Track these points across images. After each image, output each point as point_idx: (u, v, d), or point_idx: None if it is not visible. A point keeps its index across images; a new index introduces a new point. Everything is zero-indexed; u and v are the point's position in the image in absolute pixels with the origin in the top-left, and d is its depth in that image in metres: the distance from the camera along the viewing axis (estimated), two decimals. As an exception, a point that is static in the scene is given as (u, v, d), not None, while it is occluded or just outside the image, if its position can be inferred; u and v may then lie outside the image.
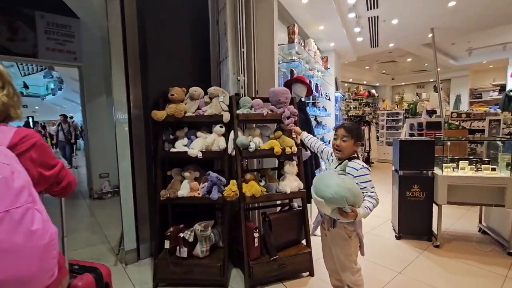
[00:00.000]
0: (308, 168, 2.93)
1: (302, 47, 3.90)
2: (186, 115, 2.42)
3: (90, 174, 5.16)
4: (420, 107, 11.14)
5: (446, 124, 4.68)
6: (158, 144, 2.48)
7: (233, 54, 2.62)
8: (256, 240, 2.26)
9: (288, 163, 2.51)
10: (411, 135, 4.58)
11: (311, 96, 4.65)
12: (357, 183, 1.53)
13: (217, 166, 2.91)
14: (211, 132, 2.49)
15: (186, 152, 2.33)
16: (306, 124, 2.96)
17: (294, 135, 2.56)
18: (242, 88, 2.62)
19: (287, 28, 3.65)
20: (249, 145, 2.30)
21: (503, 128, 5.22)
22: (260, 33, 2.85)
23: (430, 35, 5.71)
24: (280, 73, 3.50)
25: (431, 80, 11.41)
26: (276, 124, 2.68)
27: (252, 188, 2.31)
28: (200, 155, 2.34)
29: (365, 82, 11.48)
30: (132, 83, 2.56)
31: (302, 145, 2.66)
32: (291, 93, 2.67)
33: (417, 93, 11.98)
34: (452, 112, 5.70)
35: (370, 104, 11.72)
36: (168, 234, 2.34)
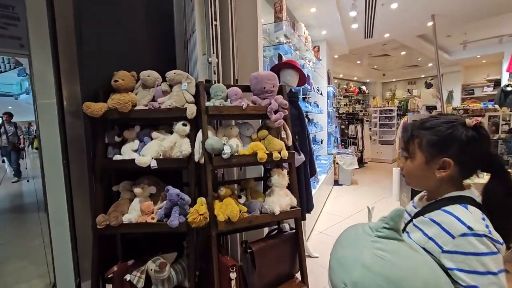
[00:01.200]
0: (302, 176, 2.31)
1: (292, 30, 3.28)
2: (135, 108, 1.75)
3: (44, 183, 4.36)
4: (412, 104, 10.81)
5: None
6: (97, 149, 1.80)
7: (202, 28, 1.96)
8: (233, 282, 1.62)
9: (277, 171, 1.88)
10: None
11: (301, 89, 4.06)
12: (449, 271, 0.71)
13: (185, 177, 2.25)
14: (172, 132, 1.83)
15: (132, 160, 1.66)
16: (298, 121, 2.35)
17: (283, 135, 1.94)
18: (214, 73, 1.97)
19: (274, 6, 3.02)
20: (223, 149, 1.66)
21: (502, 125, 4.82)
22: (239, 5, 2.20)
23: (429, 23, 5.23)
24: (265, 61, 2.87)
25: (423, 76, 11.11)
26: (260, 120, 2.04)
27: (228, 208, 1.67)
28: (153, 164, 1.67)
29: (355, 78, 11.04)
30: (64, 67, 1.86)
31: (294, 147, 2.04)
32: (279, 82, 2.05)
33: (408, 89, 11.65)
34: (453, 108, 5.25)
35: (361, 102, 11.30)
36: (110, 275, 1.67)
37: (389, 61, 9.45)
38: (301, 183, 2.28)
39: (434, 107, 5.39)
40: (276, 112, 1.81)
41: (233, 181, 2.09)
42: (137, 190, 1.76)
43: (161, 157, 1.74)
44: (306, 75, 3.86)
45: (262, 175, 2.23)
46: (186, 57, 2.25)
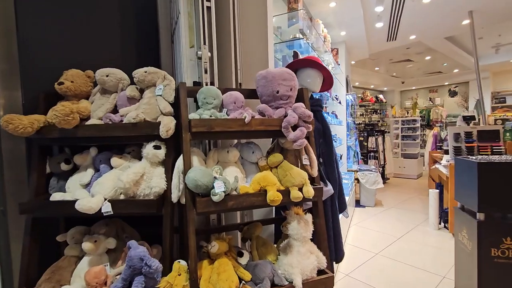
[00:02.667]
0: (329, 215, 1.67)
1: (309, 24, 2.71)
2: (86, 123, 1.18)
3: None
4: (435, 113, 10.01)
5: (508, 133, 3.49)
6: (30, 183, 1.22)
7: (189, 10, 1.40)
8: None
9: (297, 216, 1.26)
10: (457, 148, 3.39)
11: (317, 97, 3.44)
12: None
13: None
14: (141, 158, 1.24)
15: (75, 203, 1.07)
16: (323, 138, 1.72)
17: (305, 161, 1.32)
18: (206, 72, 1.39)
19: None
20: (213, 186, 1.05)
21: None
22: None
23: (465, 21, 4.57)
24: (276, 63, 2.29)
25: (446, 83, 10.31)
26: (271, 140, 1.44)
27: (221, 279, 1.05)
28: (107, 208, 1.08)
29: (372, 86, 10.35)
30: None
31: (320, 177, 1.42)
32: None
33: (430, 98, 10.84)
34: (495, 119, 4.50)
35: (378, 111, 10.55)
36: None
37: (411, 68, 8.73)
38: (328, 225, 1.63)
39: (473, 117, 4.65)
40: (295, 127, 1.20)
41: (232, 226, 1.47)
42: (86, 245, 1.17)
43: (121, 196, 1.15)
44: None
45: (273, 216, 1.60)
46: (173, 53, 1.69)
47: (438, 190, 3.73)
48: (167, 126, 1.12)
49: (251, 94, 1.36)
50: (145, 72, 1.22)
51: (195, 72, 1.44)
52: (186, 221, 1.09)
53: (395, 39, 5.46)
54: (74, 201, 1.10)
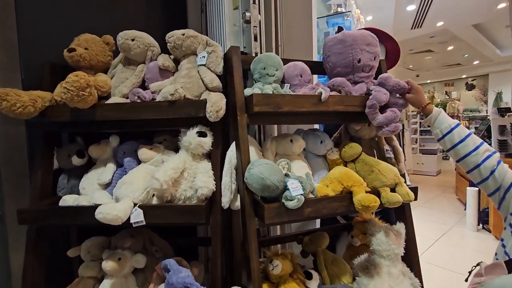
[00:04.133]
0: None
1: (345, 1, 2.39)
2: (107, 102, 0.88)
3: None
4: (451, 107, 9.61)
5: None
6: (33, 182, 0.93)
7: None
8: None
9: (383, 225, 0.95)
10: (503, 142, 3.07)
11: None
12: None
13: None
14: (176, 149, 0.95)
15: (93, 209, 0.78)
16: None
17: (388, 153, 1.02)
18: (255, 39, 1.08)
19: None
20: (286, 188, 0.75)
21: None
22: None
23: (501, 5, 4.20)
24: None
25: (464, 76, 9.89)
26: (345, 126, 1.13)
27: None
28: (137, 218, 0.78)
29: (386, 80, 9.96)
30: None
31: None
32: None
33: (446, 91, 10.42)
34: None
35: (392, 105, 10.17)
36: None
37: (430, 59, 8.32)
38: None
39: (508, 109, 4.30)
40: (383, 108, 0.89)
41: (287, 237, 1.16)
42: (108, 265, 0.88)
43: (154, 200, 0.85)
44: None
45: (340, 220, 1.29)
46: (204, 17, 1.37)
47: (477, 188, 3.40)
48: (217, 105, 0.82)
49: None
50: (183, 35, 0.91)
51: (238, 40, 1.13)
52: (247, 230, 0.79)
53: (421, 26, 5.09)
54: (92, 207, 0.81)
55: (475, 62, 8.75)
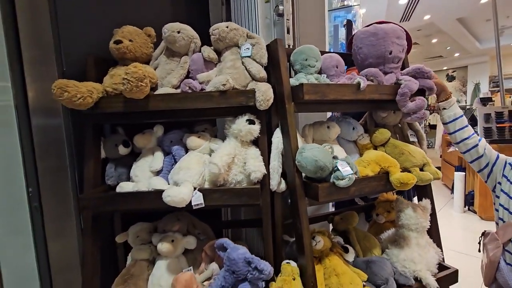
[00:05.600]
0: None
1: (349, -5, 2.46)
2: (156, 93, 0.92)
3: None
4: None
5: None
6: (85, 172, 0.96)
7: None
8: None
9: (409, 203, 1.06)
10: (488, 129, 3.30)
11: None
12: None
13: (236, 211, 1.42)
14: (223, 138, 1.00)
15: (158, 194, 0.82)
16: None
17: (412, 138, 1.12)
18: (288, 32, 1.14)
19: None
20: (336, 169, 0.83)
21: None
22: None
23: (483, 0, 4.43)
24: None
25: (445, 68, 10.32)
26: (370, 113, 1.22)
27: (344, 285, 0.86)
28: (198, 200, 0.84)
29: (372, 72, 10.23)
30: (26, 32, 1.02)
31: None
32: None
33: (428, 83, 10.85)
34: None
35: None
36: None
37: (414, 51, 8.62)
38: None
39: (489, 99, 4.59)
40: (413, 95, 0.99)
41: (317, 217, 1.26)
42: (164, 247, 0.93)
43: (206, 185, 0.91)
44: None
45: (363, 202, 1.40)
46: (225, 10, 1.40)
47: (464, 173, 3.66)
48: (267, 94, 0.88)
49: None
50: (227, 27, 0.96)
51: (269, 33, 1.19)
52: (298, 212, 0.87)
53: (409, 19, 5.28)
54: (152, 192, 0.86)
55: (456, 54, 9.15)
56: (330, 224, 1.29)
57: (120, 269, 1.16)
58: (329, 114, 1.50)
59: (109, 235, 1.13)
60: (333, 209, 1.50)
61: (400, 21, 5.34)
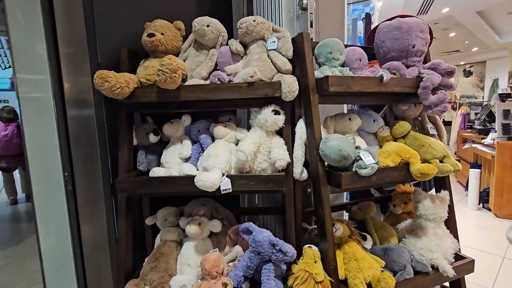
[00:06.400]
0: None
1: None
2: (186, 83, 0.97)
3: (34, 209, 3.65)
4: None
5: None
6: (120, 158, 1.03)
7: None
8: None
9: (427, 195, 1.08)
10: (506, 126, 3.23)
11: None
12: None
13: (246, 197, 1.48)
14: (248, 127, 1.05)
15: (188, 178, 0.88)
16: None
17: (432, 130, 1.14)
18: (311, 26, 1.16)
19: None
20: (358, 158, 0.87)
21: None
22: None
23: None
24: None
25: (462, 63, 10.02)
26: (389, 106, 1.24)
27: (364, 266, 0.90)
28: (226, 185, 0.89)
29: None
30: (64, 30, 1.09)
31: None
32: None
33: (444, 78, 10.57)
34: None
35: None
36: None
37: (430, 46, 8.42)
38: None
39: (508, 95, 4.46)
40: (435, 90, 1.01)
41: (335, 206, 1.30)
42: (192, 229, 0.99)
43: (232, 171, 0.96)
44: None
45: (379, 194, 1.43)
46: (248, 2, 1.43)
47: (479, 170, 3.61)
48: (293, 86, 0.92)
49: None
50: (254, 21, 0.99)
51: (292, 27, 1.22)
52: (320, 198, 0.91)
53: (426, 13, 5.15)
54: (183, 177, 0.92)
55: (474, 49, 8.87)
56: (346, 215, 1.33)
57: (147, 249, 1.25)
58: (345, 106, 1.53)
59: (138, 217, 1.20)
60: (347, 200, 1.53)
61: (418, 14, 5.21)
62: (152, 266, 0.94)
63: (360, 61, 1.03)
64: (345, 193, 1.65)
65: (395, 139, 1.10)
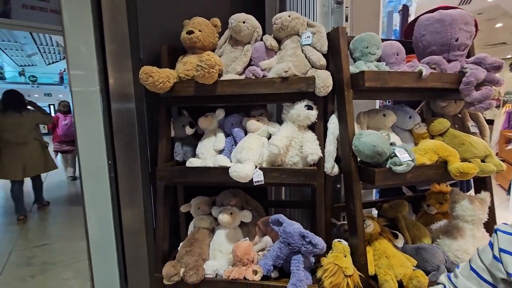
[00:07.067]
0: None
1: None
2: (221, 78, 1.01)
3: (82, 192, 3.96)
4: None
5: None
6: (160, 149, 1.10)
7: None
8: None
9: (465, 195, 1.04)
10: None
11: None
12: None
13: (273, 191, 1.51)
14: (280, 121, 1.07)
15: (223, 169, 0.93)
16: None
17: (473, 129, 1.08)
18: (346, 20, 1.15)
19: None
20: (393, 155, 0.86)
21: None
22: None
23: None
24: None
25: (508, 56, 9.18)
26: (428, 103, 1.20)
27: (395, 266, 0.89)
28: (259, 177, 0.93)
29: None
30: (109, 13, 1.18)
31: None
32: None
33: (486, 73, 9.76)
34: None
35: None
36: None
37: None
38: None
39: None
40: (478, 86, 0.95)
41: (363, 203, 1.28)
42: (224, 218, 1.04)
43: (264, 164, 0.99)
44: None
45: (411, 193, 1.39)
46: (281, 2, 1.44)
47: (524, 173, 3.33)
48: (327, 81, 0.92)
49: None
50: (289, 16, 1.00)
51: (327, 21, 1.21)
52: (351, 194, 0.91)
53: (469, 2, 4.78)
54: (217, 168, 0.96)
55: (524, 40, 8.07)
56: (375, 213, 1.31)
57: (181, 235, 1.33)
58: (377, 102, 1.49)
59: (173, 205, 1.28)
60: (377, 198, 1.51)
61: (460, 4, 4.85)
62: (187, 250, 1.01)
63: (398, 55, 1.01)
64: (374, 191, 1.63)
65: (432, 137, 1.06)
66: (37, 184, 3.61)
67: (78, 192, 4.62)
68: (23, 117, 3.18)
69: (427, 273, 0.93)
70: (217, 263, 0.99)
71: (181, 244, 1.09)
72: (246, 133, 1.08)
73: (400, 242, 1.04)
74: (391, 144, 0.89)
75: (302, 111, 0.96)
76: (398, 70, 0.97)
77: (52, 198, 4.02)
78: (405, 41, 1.12)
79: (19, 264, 2.51)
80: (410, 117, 1.07)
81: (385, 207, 1.19)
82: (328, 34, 1.00)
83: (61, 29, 1.13)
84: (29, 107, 3.34)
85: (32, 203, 3.76)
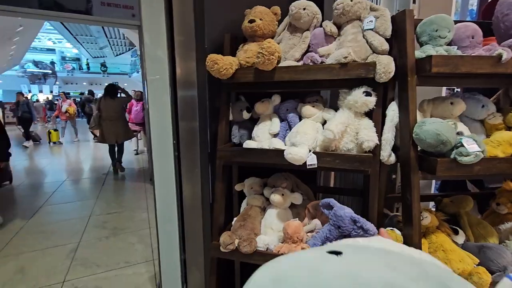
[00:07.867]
0: None
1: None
2: (280, 65, 1.05)
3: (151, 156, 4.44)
4: None
5: None
6: (219, 131, 1.20)
7: None
8: None
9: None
10: None
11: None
12: None
13: (322, 176, 1.52)
14: (334, 108, 1.08)
15: (278, 152, 0.98)
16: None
17: None
18: (414, 1, 1.08)
19: None
20: (459, 144, 0.81)
21: None
22: None
23: None
24: None
25: None
26: (506, 90, 1.09)
27: (453, 261, 0.86)
28: (312, 161, 0.96)
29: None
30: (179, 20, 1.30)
31: None
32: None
33: None
34: None
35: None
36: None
37: None
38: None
39: None
40: None
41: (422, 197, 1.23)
42: (276, 198, 1.11)
43: (317, 149, 1.02)
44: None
45: (472, 187, 1.29)
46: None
47: None
48: (389, 66, 0.90)
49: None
50: (351, 1, 0.99)
51: (392, 2, 1.15)
52: (409, 184, 0.89)
53: None
54: (273, 150, 1.02)
55: None
56: (433, 208, 1.24)
57: (234, 212, 1.44)
58: (443, 90, 1.38)
59: (228, 184, 1.39)
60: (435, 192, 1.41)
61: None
62: (241, 224, 1.10)
63: (473, 38, 0.92)
64: (433, 185, 1.53)
65: (509, 128, 0.96)
66: (121, 149, 5.13)
67: (141, 168, 5.48)
68: (115, 101, 4.68)
69: (491, 273, 0.88)
70: (268, 238, 1.06)
71: (235, 218, 1.19)
72: (300, 119, 1.12)
73: (460, 239, 0.99)
74: (458, 133, 0.84)
75: (359, 98, 0.95)
76: (472, 54, 0.89)
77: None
78: (483, 22, 1.02)
79: (96, 226, 2.98)
80: (483, 106, 0.98)
81: (445, 201, 1.12)
82: (392, 17, 0.96)
83: (138, 24, 1.29)
84: (119, 95, 4.86)
85: (113, 164, 5.20)
